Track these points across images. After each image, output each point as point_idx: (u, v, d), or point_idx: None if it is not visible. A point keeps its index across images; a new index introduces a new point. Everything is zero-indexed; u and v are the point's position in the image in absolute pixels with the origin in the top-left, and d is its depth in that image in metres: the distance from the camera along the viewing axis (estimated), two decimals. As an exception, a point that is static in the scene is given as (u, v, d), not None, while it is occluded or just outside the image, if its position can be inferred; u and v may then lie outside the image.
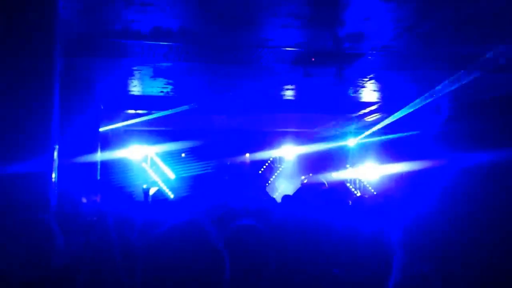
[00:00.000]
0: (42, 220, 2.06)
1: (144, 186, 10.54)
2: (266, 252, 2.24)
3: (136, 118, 11.43)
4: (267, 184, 14.39)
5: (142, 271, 1.48)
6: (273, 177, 14.71)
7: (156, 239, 1.51)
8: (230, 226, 2.34)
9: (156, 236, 1.52)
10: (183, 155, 13.67)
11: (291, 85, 8.82)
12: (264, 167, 14.68)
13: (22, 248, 1.91)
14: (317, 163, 13.81)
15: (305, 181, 10.57)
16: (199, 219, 1.60)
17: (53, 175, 3.52)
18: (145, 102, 10.07)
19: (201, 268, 1.46)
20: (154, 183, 13.08)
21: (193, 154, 13.61)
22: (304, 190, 9.47)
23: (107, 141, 9.91)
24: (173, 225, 1.54)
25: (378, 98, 10.04)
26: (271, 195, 12.83)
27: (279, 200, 6.76)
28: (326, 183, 10.66)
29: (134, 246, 2.90)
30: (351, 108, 11.04)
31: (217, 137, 13.32)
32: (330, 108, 11.03)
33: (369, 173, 14.31)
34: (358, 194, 14.13)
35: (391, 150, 13.32)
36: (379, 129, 13.24)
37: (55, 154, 3.58)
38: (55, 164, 3.58)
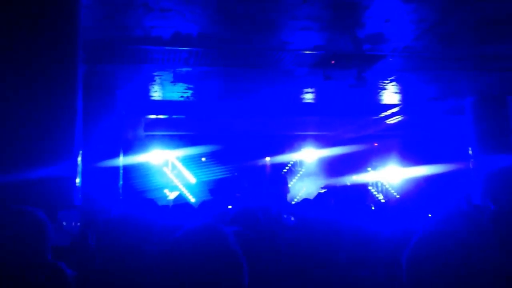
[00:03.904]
0: (33, 212, 2.07)
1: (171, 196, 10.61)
2: (252, 259, 2.22)
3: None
4: (288, 187, 14.34)
5: (160, 276, 1.48)
6: (294, 180, 14.66)
7: (173, 244, 1.51)
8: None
9: (173, 241, 1.51)
10: (203, 159, 13.73)
11: (311, 88, 8.78)
12: (285, 170, 14.65)
13: (15, 239, 1.93)
14: (338, 166, 13.72)
15: (323, 191, 10.46)
16: (215, 222, 1.60)
17: (77, 180, 3.57)
18: (166, 107, 10.15)
19: (219, 272, 1.45)
20: (175, 188, 13.17)
21: (214, 158, 13.67)
22: (325, 195, 9.41)
23: (129, 146, 10.02)
24: (189, 229, 1.54)
25: (399, 100, 9.93)
26: (292, 199, 12.78)
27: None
28: (349, 185, 10.58)
29: (150, 251, 2.92)
30: (372, 111, 10.94)
31: (238, 140, 13.35)
32: (350, 111, 10.95)
33: (391, 175, 14.15)
34: (381, 197, 13.99)
35: (414, 152, 13.16)
36: (401, 131, 13.10)
37: (79, 159, 3.63)
38: (79, 168, 3.63)
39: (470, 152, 9.63)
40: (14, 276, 1.89)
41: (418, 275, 1.62)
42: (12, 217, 2.03)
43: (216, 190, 12.03)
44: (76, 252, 2.97)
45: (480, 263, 1.60)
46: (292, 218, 4.45)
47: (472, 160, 9.59)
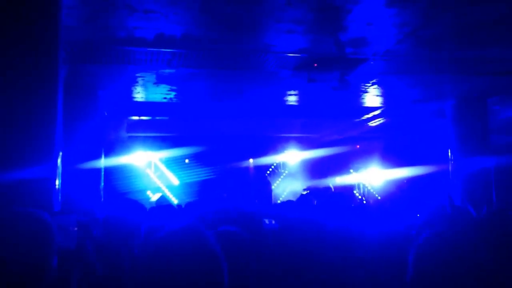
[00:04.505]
0: (40, 214, 2.06)
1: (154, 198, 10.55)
2: (247, 259, 2.23)
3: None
4: (271, 189, 14.38)
5: (141, 277, 1.49)
6: (278, 182, 14.70)
7: (154, 245, 1.52)
8: (212, 232, 2.33)
9: (154, 242, 1.53)
10: (186, 161, 13.68)
11: (295, 90, 8.82)
12: (268, 172, 14.68)
13: (22, 243, 1.91)
14: (321, 167, 13.81)
15: (305, 193, 10.50)
16: (196, 223, 1.61)
17: (57, 182, 3.53)
18: (149, 109, 10.09)
19: (200, 273, 1.46)
20: (158, 189, 13.10)
21: (197, 159, 13.63)
22: (308, 196, 9.45)
23: (111, 147, 9.93)
24: (171, 230, 1.55)
25: (381, 103, 10.04)
26: (275, 200, 12.80)
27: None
28: (332, 187, 10.62)
29: (134, 252, 2.91)
30: (354, 113, 11.04)
31: (221, 142, 13.34)
32: (333, 113, 11.03)
33: (373, 177, 14.28)
34: (363, 199, 14.10)
35: (395, 154, 13.31)
36: (383, 134, 13.23)
37: (59, 160, 3.59)
38: (59, 170, 3.59)
39: (450, 154, 9.78)
40: (17, 279, 1.87)
41: (424, 274, 1.71)
42: (17, 219, 2.01)
43: (200, 192, 12.01)
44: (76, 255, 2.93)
45: (479, 263, 1.69)
46: (273, 222, 4.45)
47: (451, 162, 9.73)
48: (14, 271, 1.84)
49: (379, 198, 13.90)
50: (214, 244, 1.53)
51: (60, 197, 3.69)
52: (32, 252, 1.90)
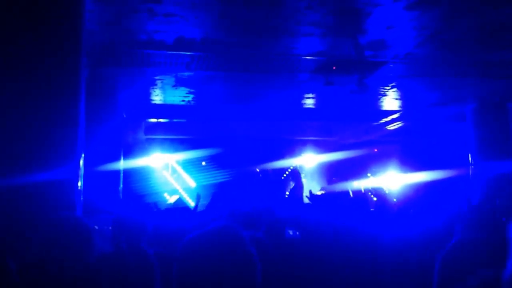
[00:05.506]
0: (80, 218, 2.13)
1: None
2: (269, 266, 2.24)
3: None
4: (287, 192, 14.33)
5: (176, 275, 1.52)
6: (293, 185, 14.64)
7: (190, 243, 1.54)
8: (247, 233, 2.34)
9: (190, 240, 1.55)
10: (203, 163, 13.74)
11: (312, 93, 8.80)
12: (285, 175, 14.65)
13: (63, 245, 1.98)
14: (338, 171, 13.73)
15: (321, 193, 10.40)
16: (232, 223, 1.63)
17: (79, 183, 3.57)
18: (167, 111, 10.17)
19: (234, 272, 1.48)
20: (175, 191, 13.17)
21: (214, 162, 13.67)
22: (321, 197, 9.38)
23: (130, 149, 10.02)
24: (207, 230, 1.58)
25: (399, 107, 9.95)
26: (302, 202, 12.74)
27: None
28: (350, 191, 10.53)
29: (147, 253, 2.96)
30: (372, 117, 10.96)
31: (238, 145, 13.36)
32: (351, 117, 10.97)
33: (391, 181, 14.14)
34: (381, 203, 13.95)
35: (413, 158, 13.17)
36: (401, 137, 13.11)
37: (81, 162, 3.64)
38: (81, 172, 3.64)
39: (470, 158, 9.65)
40: (59, 279, 1.93)
41: (450, 281, 1.70)
42: (60, 223, 2.08)
43: (218, 194, 12.01)
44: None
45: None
46: (297, 233, 4.44)
47: (472, 166, 9.60)
48: (57, 271, 1.90)
49: (397, 202, 13.76)
50: (249, 244, 1.56)
51: (81, 198, 3.74)
52: (75, 254, 1.96)
